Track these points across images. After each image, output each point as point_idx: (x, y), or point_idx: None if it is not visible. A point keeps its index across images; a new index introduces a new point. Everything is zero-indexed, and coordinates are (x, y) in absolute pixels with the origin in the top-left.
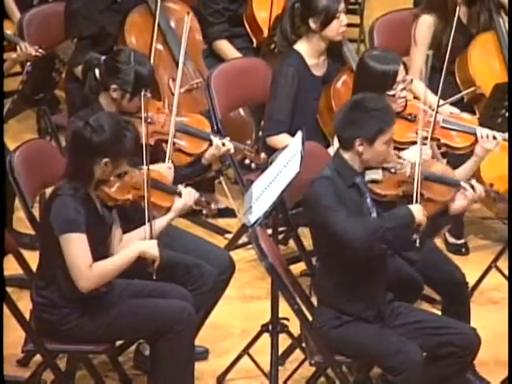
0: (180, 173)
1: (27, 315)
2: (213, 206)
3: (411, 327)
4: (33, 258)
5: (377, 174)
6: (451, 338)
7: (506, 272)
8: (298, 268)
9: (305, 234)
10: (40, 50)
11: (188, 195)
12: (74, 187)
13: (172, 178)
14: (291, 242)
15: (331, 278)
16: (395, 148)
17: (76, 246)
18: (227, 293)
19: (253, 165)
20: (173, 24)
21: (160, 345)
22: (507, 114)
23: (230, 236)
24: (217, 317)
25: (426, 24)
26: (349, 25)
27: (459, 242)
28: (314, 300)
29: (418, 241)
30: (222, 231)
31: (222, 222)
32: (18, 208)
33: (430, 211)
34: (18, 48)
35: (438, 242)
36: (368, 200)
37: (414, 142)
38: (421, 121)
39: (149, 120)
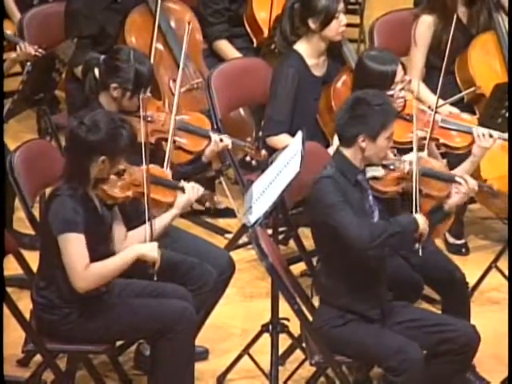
0: (180, 171)
1: (27, 315)
2: (216, 198)
3: (409, 325)
4: (33, 257)
5: (377, 171)
6: (450, 334)
7: (506, 272)
8: (298, 268)
9: (305, 233)
10: (40, 50)
11: (191, 190)
12: (73, 187)
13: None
14: (291, 242)
15: (333, 277)
16: (394, 148)
17: (73, 245)
18: (227, 293)
19: (253, 162)
20: (173, 24)
21: (160, 345)
22: (507, 114)
23: (230, 236)
24: (217, 317)
25: (426, 24)
26: (349, 25)
27: (459, 242)
28: (314, 300)
29: (420, 250)
30: (222, 231)
31: (222, 222)
32: (18, 208)
33: (428, 207)
34: (17, 48)
35: (438, 242)
36: (370, 197)
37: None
38: (415, 119)
39: (149, 119)
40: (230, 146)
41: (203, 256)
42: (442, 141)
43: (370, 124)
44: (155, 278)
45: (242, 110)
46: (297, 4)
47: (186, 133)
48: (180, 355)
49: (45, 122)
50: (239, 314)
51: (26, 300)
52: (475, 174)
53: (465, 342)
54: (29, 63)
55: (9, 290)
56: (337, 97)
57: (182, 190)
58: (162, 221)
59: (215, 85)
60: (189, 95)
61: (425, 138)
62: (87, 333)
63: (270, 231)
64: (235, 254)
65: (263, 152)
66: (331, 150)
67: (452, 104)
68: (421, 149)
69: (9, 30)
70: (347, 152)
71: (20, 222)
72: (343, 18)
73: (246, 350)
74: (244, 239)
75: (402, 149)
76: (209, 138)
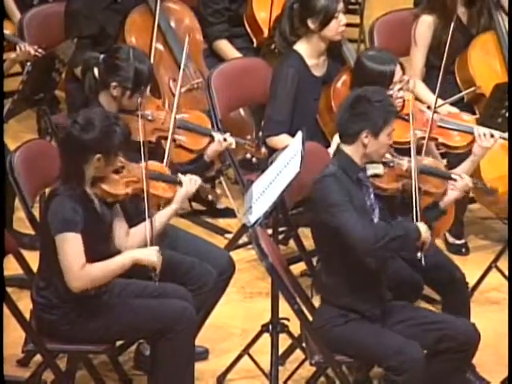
0: (181, 170)
1: (27, 315)
2: (218, 191)
3: (409, 323)
4: (33, 257)
5: (378, 169)
6: (450, 332)
7: (506, 272)
8: (298, 268)
9: (305, 234)
10: (39, 50)
11: (189, 183)
12: (71, 187)
13: None
14: (291, 242)
15: (334, 277)
16: (392, 148)
17: (70, 245)
18: (227, 293)
19: (254, 159)
20: (173, 24)
21: (160, 345)
22: (507, 114)
23: (230, 236)
24: (217, 317)
25: (426, 24)
26: (349, 25)
27: (459, 242)
28: (314, 300)
29: (423, 259)
30: (222, 231)
31: (222, 222)
32: (18, 208)
33: (425, 204)
34: (17, 48)
35: (438, 242)
36: (371, 195)
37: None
38: (411, 117)
39: (149, 117)
40: (233, 146)
41: (203, 256)
42: (440, 140)
43: (373, 120)
44: (157, 283)
45: (241, 110)
46: (296, 4)
47: (187, 131)
48: (180, 355)
49: (45, 122)
50: (239, 313)
51: (26, 300)
52: (476, 173)
53: (464, 340)
54: (29, 63)
55: (9, 290)
56: (337, 97)
57: (180, 183)
58: (162, 216)
59: (215, 85)
60: (189, 95)
61: (424, 138)
62: (87, 333)
63: (270, 231)
64: (235, 254)
65: (263, 150)
66: (331, 150)
67: (452, 104)
68: (420, 149)
69: (8, 30)
70: (348, 149)
71: (20, 222)
72: (343, 18)
73: (245, 350)
74: (244, 239)
75: (401, 149)
76: (210, 136)
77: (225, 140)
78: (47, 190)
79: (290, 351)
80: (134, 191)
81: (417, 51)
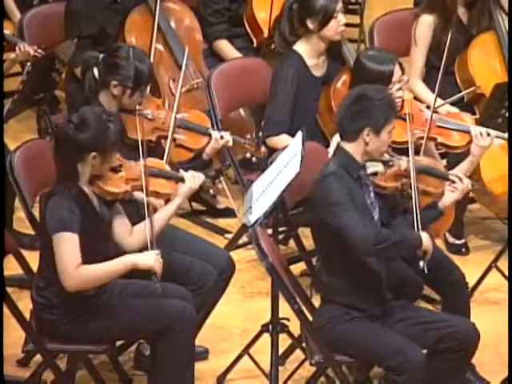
0: (180, 169)
1: (27, 315)
2: (220, 186)
3: (409, 322)
4: (33, 257)
5: (378, 167)
6: (449, 331)
7: (506, 272)
8: (298, 268)
9: (305, 234)
10: (39, 50)
11: (191, 179)
12: (68, 187)
13: None
14: (291, 242)
15: (334, 276)
16: (393, 148)
17: (66, 244)
18: (227, 293)
19: (254, 159)
20: (173, 24)
21: (160, 345)
22: (507, 114)
23: (230, 236)
24: (217, 317)
25: (426, 24)
26: (349, 25)
27: (459, 242)
28: (314, 300)
29: (425, 269)
30: (222, 231)
31: (222, 222)
32: (18, 208)
33: (424, 204)
34: (16, 48)
35: (438, 242)
36: (372, 194)
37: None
38: (408, 117)
39: (149, 117)
40: (230, 143)
41: (203, 256)
42: (439, 140)
43: (374, 118)
44: (159, 289)
45: (242, 110)
46: (295, 4)
47: (186, 130)
48: (180, 355)
49: (45, 122)
50: (239, 313)
51: (26, 300)
52: (476, 174)
53: (464, 339)
54: (29, 63)
55: (9, 290)
56: (337, 97)
57: (182, 180)
58: (164, 213)
59: (215, 85)
60: (189, 95)
61: (422, 138)
62: (87, 333)
63: (270, 231)
64: (235, 254)
65: (263, 149)
66: (331, 150)
67: (452, 104)
68: (418, 149)
69: (8, 30)
70: (349, 147)
71: (20, 222)
72: (342, 18)
73: (246, 350)
74: (244, 239)
75: (399, 148)
76: (209, 135)
77: (222, 138)
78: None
79: (290, 351)
80: (133, 189)
81: (417, 51)
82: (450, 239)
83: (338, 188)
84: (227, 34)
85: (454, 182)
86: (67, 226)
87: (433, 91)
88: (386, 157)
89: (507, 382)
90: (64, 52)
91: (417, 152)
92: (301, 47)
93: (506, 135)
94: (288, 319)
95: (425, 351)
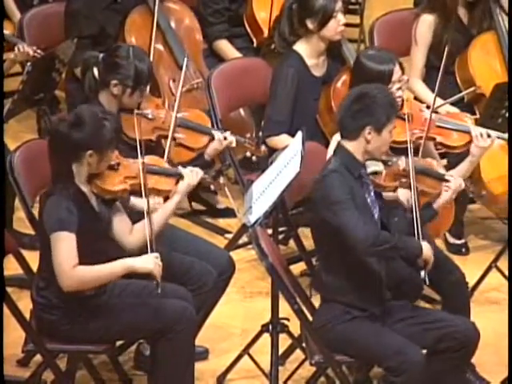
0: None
1: (27, 315)
2: (221, 181)
3: (409, 322)
4: (33, 258)
5: (378, 166)
6: (449, 330)
7: (506, 272)
8: (298, 268)
9: (305, 234)
10: (38, 51)
11: (190, 175)
12: (64, 186)
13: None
14: (291, 242)
15: (334, 275)
16: (391, 148)
17: (63, 244)
18: (227, 293)
19: (254, 158)
20: (173, 24)
21: (160, 345)
22: (507, 114)
23: (230, 236)
24: (217, 317)
25: (426, 23)
26: (349, 25)
27: (459, 241)
28: (314, 300)
29: (426, 279)
30: (222, 231)
31: (222, 222)
32: (18, 208)
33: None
34: (16, 48)
35: (438, 241)
36: (372, 193)
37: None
38: (407, 117)
39: (149, 116)
40: (234, 144)
41: (203, 256)
42: (439, 140)
43: (376, 116)
44: (159, 291)
45: (242, 110)
46: (295, 5)
47: (187, 130)
48: (180, 355)
49: (45, 122)
50: (239, 313)
51: (26, 300)
52: (476, 174)
53: (464, 339)
54: (29, 63)
55: (9, 289)
56: (337, 97)
57: (181, 176)
58: (164, 210)
59: (215, 85)
60: (189, 95)
61: (421, 138)
62: (87, 333)
63: (270, 231)
64: (235, 254)
65: (263, 148)
66: (330, 150)
67: (452, 104)
68: (417, 148)
69: (8, 30)
70: (350, 146)
71: (20, 222)
72: (341, 18)
73: (246, 350)
74: (244, 239)
75: (397, 148)
76: (211, 135)
77: (225, 138)
78: None
79: (290, 351)
80: (131, 187)
81: (417, 51)
82: (450, 239)
83: (339, 186)
84: (227, 34)
85: (448, 181)
86: (65, 226)
87: (433, 91)
88: (387, 157)
89: (507, 382)
90: (64, 52)
91: (415, 152)
92: (301, 47)
93: (506, 136)
94: (288, 319)
95: (425, 351)
